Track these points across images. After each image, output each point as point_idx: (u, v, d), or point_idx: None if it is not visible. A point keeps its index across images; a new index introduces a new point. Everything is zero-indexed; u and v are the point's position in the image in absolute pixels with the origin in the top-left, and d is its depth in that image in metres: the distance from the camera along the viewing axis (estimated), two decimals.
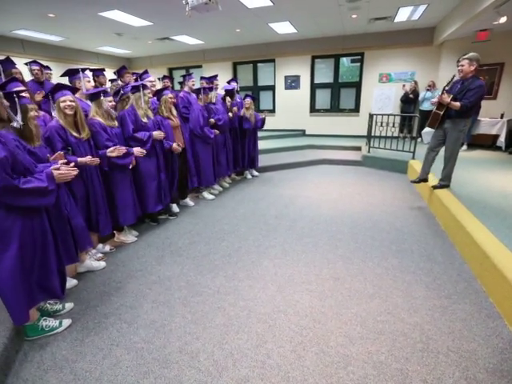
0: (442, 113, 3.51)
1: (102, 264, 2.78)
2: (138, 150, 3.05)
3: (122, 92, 3.25)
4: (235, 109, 4.98)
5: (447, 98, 3.40)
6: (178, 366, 1.71)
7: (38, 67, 4.40)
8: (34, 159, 1.83)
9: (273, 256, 2.90)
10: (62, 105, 2.37)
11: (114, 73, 4.47)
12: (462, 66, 3.35)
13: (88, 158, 2.48)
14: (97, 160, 2.56)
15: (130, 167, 3.03)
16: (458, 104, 3.32)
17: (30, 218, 1.76)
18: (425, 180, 3.98)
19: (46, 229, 1.87)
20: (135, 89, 3.18)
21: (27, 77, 4.22)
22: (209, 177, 4.51)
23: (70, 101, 2.39)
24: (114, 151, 2.74)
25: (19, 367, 1.73)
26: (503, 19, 4.92)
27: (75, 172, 1.96)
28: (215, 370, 1.68)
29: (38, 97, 2.55)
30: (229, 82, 5.32)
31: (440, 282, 2.41)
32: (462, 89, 3.39)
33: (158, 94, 3.71)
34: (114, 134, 2.89)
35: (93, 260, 2.78)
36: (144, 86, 3.23)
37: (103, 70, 4.11)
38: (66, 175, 1.88)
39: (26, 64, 4.41)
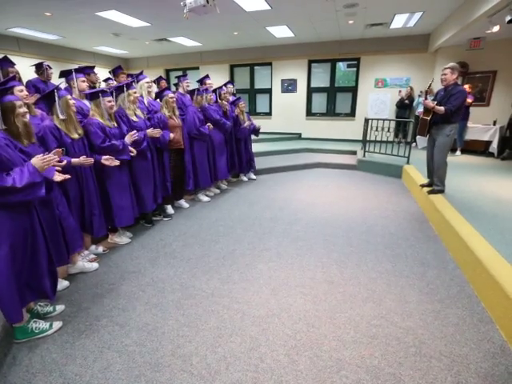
0: (428, 118, 3.63)
1: (95, 265, 2.75)
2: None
3: (114, 93, 3.23)
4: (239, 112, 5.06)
5: (431, 103, 3.54)
6: (170, 369, 1.69)
7: (50, 68, 4.41)
8: (26, 158, 1.80)
9: (267, 259, 2.89)
10: (70, 102, 2.42)
11: (110, 72, 4.45)
12: (445, 74, 3.54)
13: (82, 159, 2.45)
14: (91, 160, 2.52)
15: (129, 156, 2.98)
16: (442, 108, 3.47)
17: (19, 218, 1.74)
18: (431, 185, 4.05)
19: (36, 229, 1.84)
20: (119, 90, 3.14)
21: (25, 78, 4.17)
22: (205, 178, 4.49)
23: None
24: (108, 160, 2.72)
25: (7, 370, 1.70)
26: (496, 28, 5.01)
27: (56, 157, 1.87)
28: (208, 373, 1.67)
29: (32, 99, 2.55)
30: (225, 85, 5.31)
31: (433, 287, 2.43)
32: (444, 95, 3.58)
33: (160, 95, 3.80)
34: (112, 134, 2.87)
35: (85, 261, 2.74)
36: (128, 86, 3.16)
37: (93, 67, 4.08)
38: (48, 161, 1.77)
39: (41, 64, 4.32)
